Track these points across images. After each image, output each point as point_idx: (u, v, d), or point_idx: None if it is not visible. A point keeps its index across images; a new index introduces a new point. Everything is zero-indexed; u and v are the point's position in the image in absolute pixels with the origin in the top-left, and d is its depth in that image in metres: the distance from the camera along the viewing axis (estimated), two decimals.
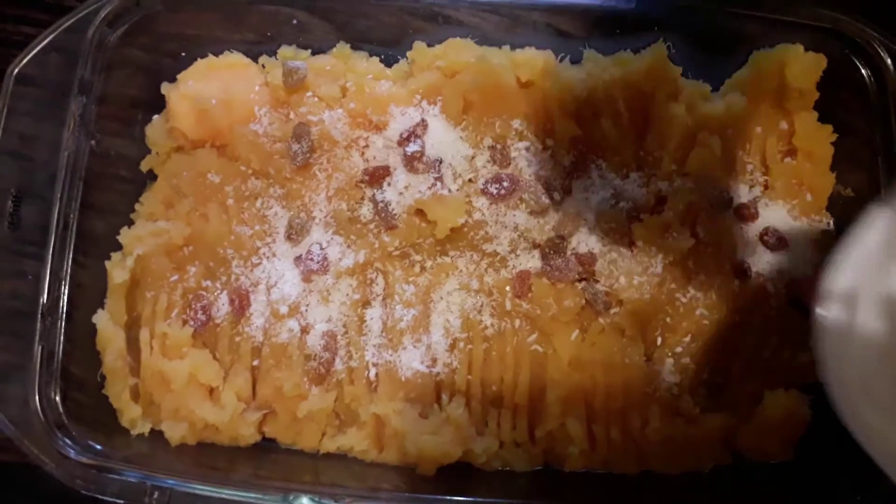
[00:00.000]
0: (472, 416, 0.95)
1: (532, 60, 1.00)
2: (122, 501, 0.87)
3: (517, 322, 0.96)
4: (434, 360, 0.96)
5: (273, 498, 0.86)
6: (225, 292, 0.99)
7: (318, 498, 0.86)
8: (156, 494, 0.86)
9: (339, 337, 0.97)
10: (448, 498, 0.90)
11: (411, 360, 0.95)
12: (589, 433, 0.93)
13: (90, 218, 1.00)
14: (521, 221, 0.98)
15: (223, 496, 0.86)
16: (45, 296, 0.94)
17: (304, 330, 0.97)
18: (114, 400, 0.97)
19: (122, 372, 0.96)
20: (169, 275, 0.99)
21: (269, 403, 0.96)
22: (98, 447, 0.92)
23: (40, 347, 0.92)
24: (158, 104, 1.05)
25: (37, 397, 0.91)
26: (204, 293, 0.99)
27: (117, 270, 0.97)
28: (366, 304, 0.99)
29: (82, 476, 0.88)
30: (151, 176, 1.05)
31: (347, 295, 0.98)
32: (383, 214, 0.99)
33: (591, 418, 0.94)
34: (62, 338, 0.95)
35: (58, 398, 0.93)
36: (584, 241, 0.98)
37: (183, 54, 1.06)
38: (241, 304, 0.97)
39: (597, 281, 0.96)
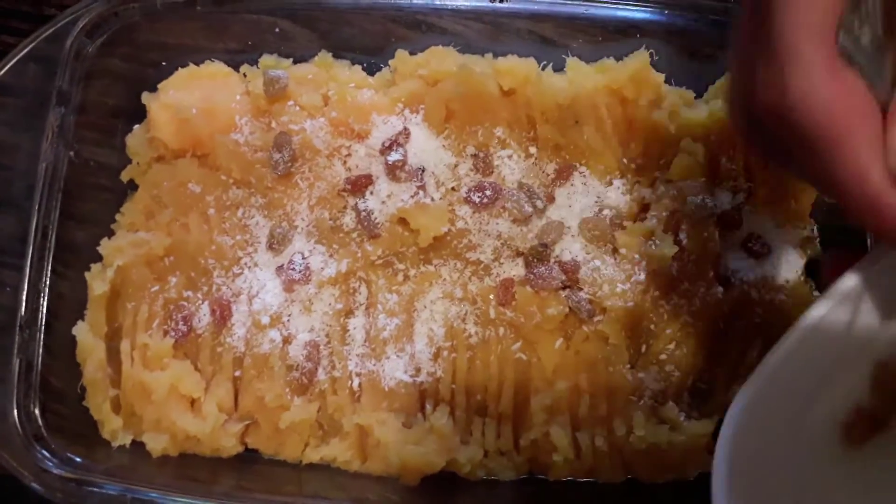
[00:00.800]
0: (457, 425, 0.94)
1: (514, 68, 1.00)
2: None
3: (501, 330, 0.96)
4: (418, 370, 0.95)
5: None
6: (206, 303, 0.98)
7: None
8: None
9: (321, 347, 0.96)
10: None
11: (395, 370, 0.95)
12: (573, 441, 0.93)
13: (70, 228, 0.99)
14: (504, 229, 0.98)
15: None
16: (24, 307, 0.93)
17: (286, 340, 0.96)
18: (94, 411, 0.95)
19: (102, 383, 0.95)
20: (150, 285, 0.98)
21: (251, 414, 0.95)
22: (78, 460, 0.91)
23: (19, 360, 0.91)
24: (139, 114, 1.04)
25: (15, 411, 0.90)
26: (185, 304, 0.98)
27: (97, 282, 0.97)
28: (349, 313, 0.98)
29: (62, 489, 0.87)
30: (132, 186, 1.04)
31: (330, 304, 0.97)
32: (366, 223, 0.98)
33: (575, 426, 0.93)
34: (41, 349, 0.94)
35: (37, 411, 0.92)
36: (568, 249, 0.97)
37: (163, 63, 1.05)
38: (222, 315, 0.97)
39: (580, 289, 0.96)
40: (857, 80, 0.52)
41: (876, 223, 0.52)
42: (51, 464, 0.89)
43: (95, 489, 0.87)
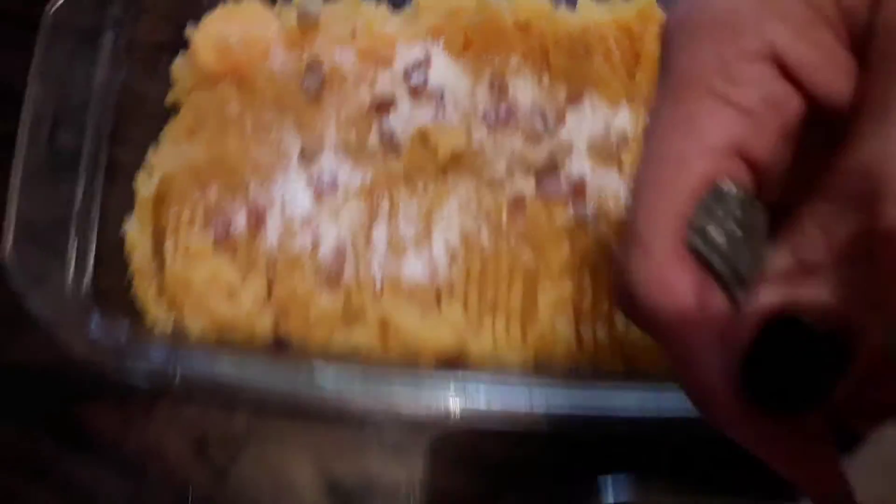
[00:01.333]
0: (469, 321, 1.01)
1: (529, 2, 1.08)
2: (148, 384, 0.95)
3: (512, 241, 1.03)
4: (434, 272, 1.03)
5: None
6: (243, 209, 1.06)
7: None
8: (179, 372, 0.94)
9: (347, 251, 1.04)
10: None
11: (414, 271, 1.02)
12: (577, 333, 1.00)
13: (116, 153, 1.08)
14: (517, 147, 1.05)
15: (242, 376, 0.94)
16: (78, 206, 1.02)
17: (315, 244, 1.04)
18: (140, 296, 1.03)
19: (148, 271, 1.04)
20: (191, 193, 1.07)
21: (284, 305, 1.03)
22: (124, 338, 0.99)
23: (75, 243, 1.00)
24: (182, 49, 1.13)
25: (69, 289, 0.99)
26: (224, 210, 1.06)
27: (144, 186, 1.06)
28: (372, 222, 1.05)
29: (111, 359, 0.95)
30: (176, 111, 1.12)
31: (356, 214, 1.05)
32: (389, 142, 1.06)
33: (579, 320, 1.00)
34: (94, 248, 1.02)
35: (89, 292, 1.00)
36: (576, 167, 1.04)
37: (204, 2, 1.14)
38: (257, 221, 1.05)
39: (587, 202, 1.03)
40: (704, 281, 0.47)
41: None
42: (100, 337, 0.97)
43: (141, 360, 0.96)
